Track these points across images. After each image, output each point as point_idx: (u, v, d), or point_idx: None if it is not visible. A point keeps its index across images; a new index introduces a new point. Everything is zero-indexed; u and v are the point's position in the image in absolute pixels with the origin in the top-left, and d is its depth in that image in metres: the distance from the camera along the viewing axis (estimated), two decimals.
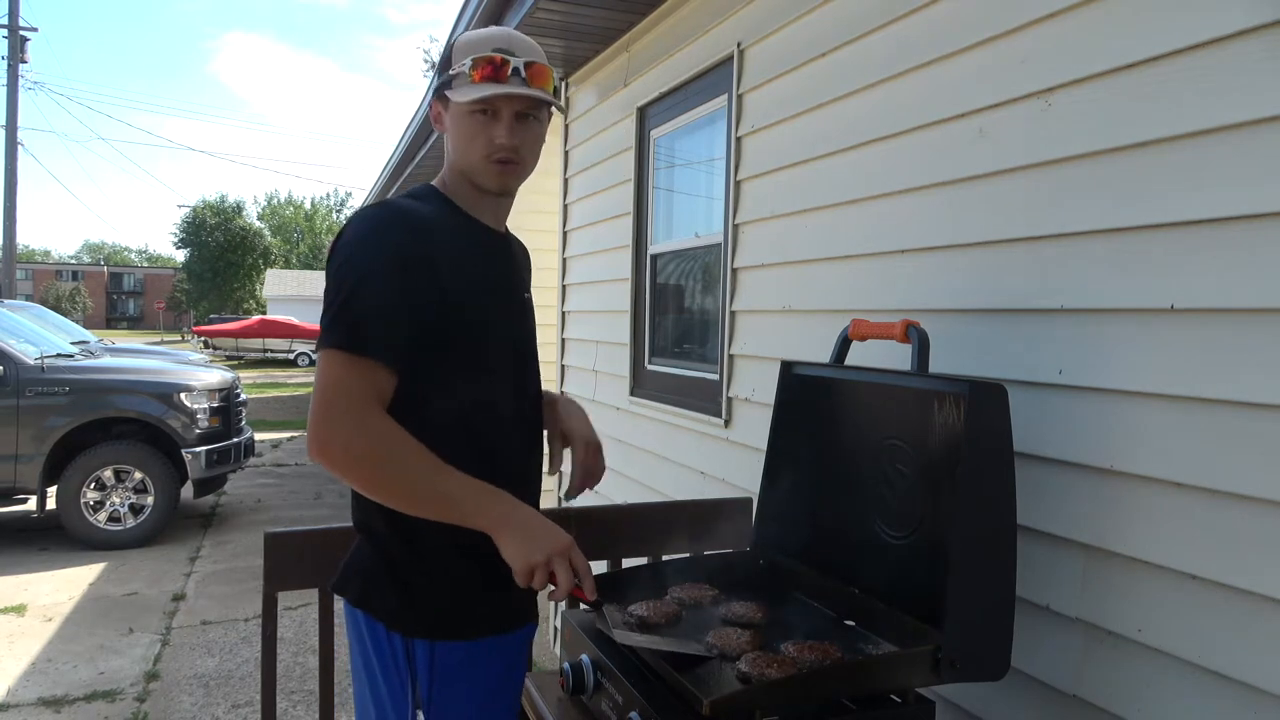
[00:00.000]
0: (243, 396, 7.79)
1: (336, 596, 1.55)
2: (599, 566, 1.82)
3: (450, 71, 1.46)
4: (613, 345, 4.03)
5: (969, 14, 1.86)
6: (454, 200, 1.51)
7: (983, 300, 1.81)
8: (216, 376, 7.43)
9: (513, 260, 1.60)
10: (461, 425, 1.43)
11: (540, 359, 1.67)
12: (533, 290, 1.70)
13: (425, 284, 1.37)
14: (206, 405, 6.96)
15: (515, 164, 1.48)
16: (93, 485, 6.61)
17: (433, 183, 1.55)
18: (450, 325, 1.40)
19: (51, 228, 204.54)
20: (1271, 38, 1.28)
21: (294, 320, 29.98)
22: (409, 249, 1.37)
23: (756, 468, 2.06)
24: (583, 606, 1.60)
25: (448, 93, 1.46)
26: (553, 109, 1.52)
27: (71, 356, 7.18)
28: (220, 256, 50.53)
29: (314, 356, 1.40)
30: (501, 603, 1.48)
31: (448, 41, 1.51)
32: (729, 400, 2.92)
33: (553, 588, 1.39)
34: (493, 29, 1.50)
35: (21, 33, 19.86)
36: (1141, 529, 1.46)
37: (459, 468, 1.35)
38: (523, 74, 1.45)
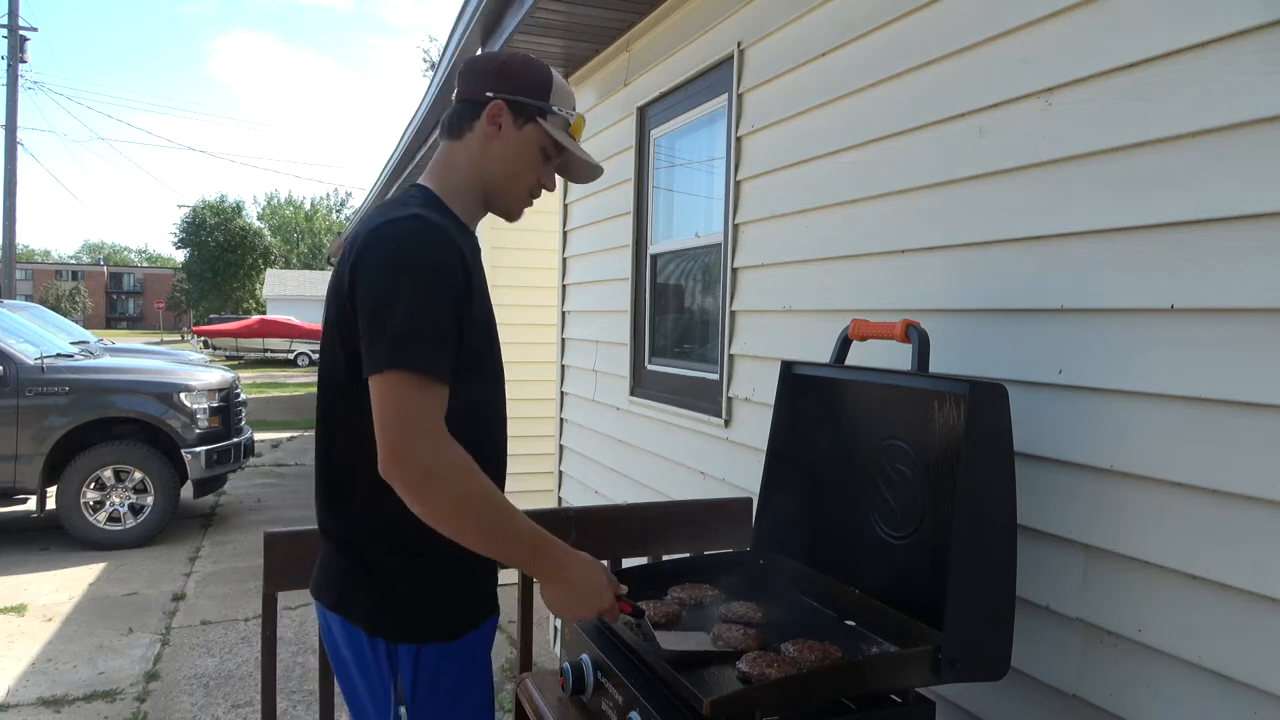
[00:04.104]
0: (243, 396, 7.80)
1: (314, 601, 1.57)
2: None
3: (551, 103, 1.53)
4: (613, 345, 4.03)
5: (969, 14, 1.86)
6: (453, 210, 1.52)
7: (983, 300, 1.81)
8: (216, 376, 7.43)
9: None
10: (474, 432, 1.42)
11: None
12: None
13: (464, 303, 1.40)
14: (206, 405, 6.96)
15: None
16: (93, 485, 6.62)
17: (428, 186, 1.53)
18: (475, 339, 1.43)
19: (51, 228, 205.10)
20: (1271, 38, 1.28)
21: (294, 320, 29.97)
22: (455, 268, 1.38)
23: (756, 468, 2.06)
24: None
25: (540, 118, 1.52)
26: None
27: (71, 356, 7.17)
28: (220, 256, 50.52)
29: (314, 356, 1.32)
30: (484, 596, 1.54)
31: (520, 59, 1.56)
32: (729, 400, 2.92)
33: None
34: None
35: (21, 33, 19.86)
36: (1141, 529, 1.46)
37: None
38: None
